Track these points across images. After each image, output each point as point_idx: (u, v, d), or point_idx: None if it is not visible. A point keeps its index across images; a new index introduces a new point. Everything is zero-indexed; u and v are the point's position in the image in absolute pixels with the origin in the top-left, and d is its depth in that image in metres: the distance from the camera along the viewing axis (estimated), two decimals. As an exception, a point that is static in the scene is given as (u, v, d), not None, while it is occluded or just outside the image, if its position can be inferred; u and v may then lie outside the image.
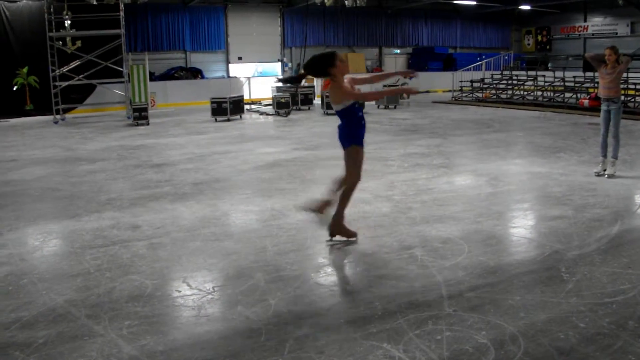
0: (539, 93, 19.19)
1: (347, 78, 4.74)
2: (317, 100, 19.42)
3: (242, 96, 17.24)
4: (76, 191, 7.18)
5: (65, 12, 16.43)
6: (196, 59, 23.19)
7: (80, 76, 17.11)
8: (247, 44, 23.98)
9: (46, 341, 3.25)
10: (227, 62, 23.95)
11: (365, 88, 5.18)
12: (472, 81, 21.56)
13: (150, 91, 18.36)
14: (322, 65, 4.64)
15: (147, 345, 3.19)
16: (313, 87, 19.13)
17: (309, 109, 18.44)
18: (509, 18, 29.76)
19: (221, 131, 13.40)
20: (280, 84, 19.47)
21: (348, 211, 4.92)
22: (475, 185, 7.14)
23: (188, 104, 20.67)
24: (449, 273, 4.14)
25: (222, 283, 4.11)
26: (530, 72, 21.03)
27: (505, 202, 6.29)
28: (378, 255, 4.60)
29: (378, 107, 18.25)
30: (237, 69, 23.96)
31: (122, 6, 16.90)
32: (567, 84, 18.56)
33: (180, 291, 3.97)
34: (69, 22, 16.46)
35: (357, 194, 5.04)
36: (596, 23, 27.56)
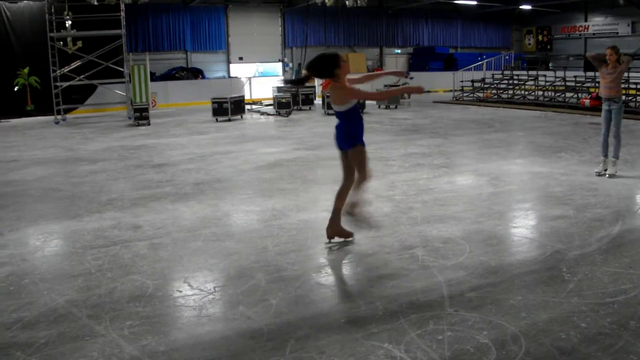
0: (540, 93, 19.20)
1: (346, 78, 4.73)
2: (317, 101, 19.43)
3: (243, 96, 17.25)
4: (77, 191, 7.18)
5: (66, 13, 16.45)
6: (197, 59, 23.22)
7: (81, 76, 17.12)
8: (247, 44, 24.00)
9: (47, 341, 3.25)
10: (228, 62, 23.98)
11: (363, 88, 5.16)
12: (472, 81, 21.56)
13: (151, 91, 18.39)
14: (328, 66, 4.60)
15: (149, 346, 3.20)
16: (314, 87, 19.13)
17: (310, 109, 18.45)
18: (509, 18, 29.76)
19: (222, 131, 13.41)
20: (281, 84, 19.50)
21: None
22: (476, 185, 7.14)
23: (189, 104, 20.69)
24: (450, 273, 4.13)
25: (223, 283, 4.11)
26: (531, 72, 21.03)
27: (506, 202, 6.29)
28: (379, 255, 4.60)
29: (379, 107, 18.25)
30: (237, 69, 23.98)
31: (122, 6, 16.91)
32: (568, 83, 18.57)
33: (181, 291, 3.97)
34: (69, 22, 16.48)
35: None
36: (597, 23, 27.56)
